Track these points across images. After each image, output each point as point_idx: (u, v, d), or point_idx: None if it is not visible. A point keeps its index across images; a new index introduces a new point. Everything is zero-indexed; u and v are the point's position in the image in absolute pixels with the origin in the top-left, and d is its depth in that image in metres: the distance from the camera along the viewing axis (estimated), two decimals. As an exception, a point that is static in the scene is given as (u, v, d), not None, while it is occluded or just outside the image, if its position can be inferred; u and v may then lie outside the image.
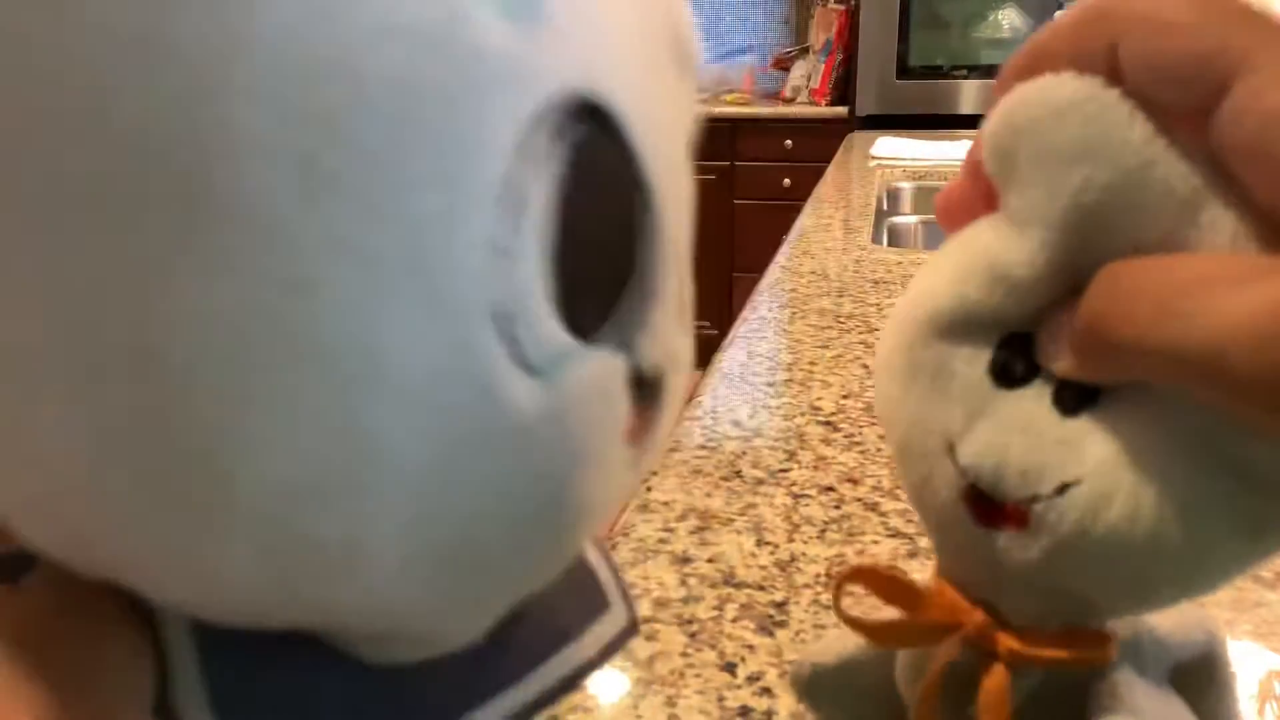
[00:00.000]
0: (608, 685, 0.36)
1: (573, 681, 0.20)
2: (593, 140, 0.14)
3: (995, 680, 0.20)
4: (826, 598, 0.42)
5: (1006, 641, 0.20)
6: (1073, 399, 0.19)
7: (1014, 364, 0.19)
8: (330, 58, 0.11)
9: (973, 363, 0.19)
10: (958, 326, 0.19)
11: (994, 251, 0.19)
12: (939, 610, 0.21)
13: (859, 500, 0.51)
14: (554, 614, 0.20)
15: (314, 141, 0.12)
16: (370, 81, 0.12)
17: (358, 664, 0.16)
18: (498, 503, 0.14)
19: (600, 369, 0.15)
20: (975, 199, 0.20)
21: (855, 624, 0.22)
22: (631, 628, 0.21)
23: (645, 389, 0.16)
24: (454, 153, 0.12)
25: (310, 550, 0.13)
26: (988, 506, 0.19)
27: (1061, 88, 0.18)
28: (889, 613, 0.22)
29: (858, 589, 0.22)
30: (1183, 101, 0.17)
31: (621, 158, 0.15)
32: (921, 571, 0.44)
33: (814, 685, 0.26)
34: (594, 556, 0.21)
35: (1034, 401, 0.19)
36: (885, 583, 0.21)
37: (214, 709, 0.15)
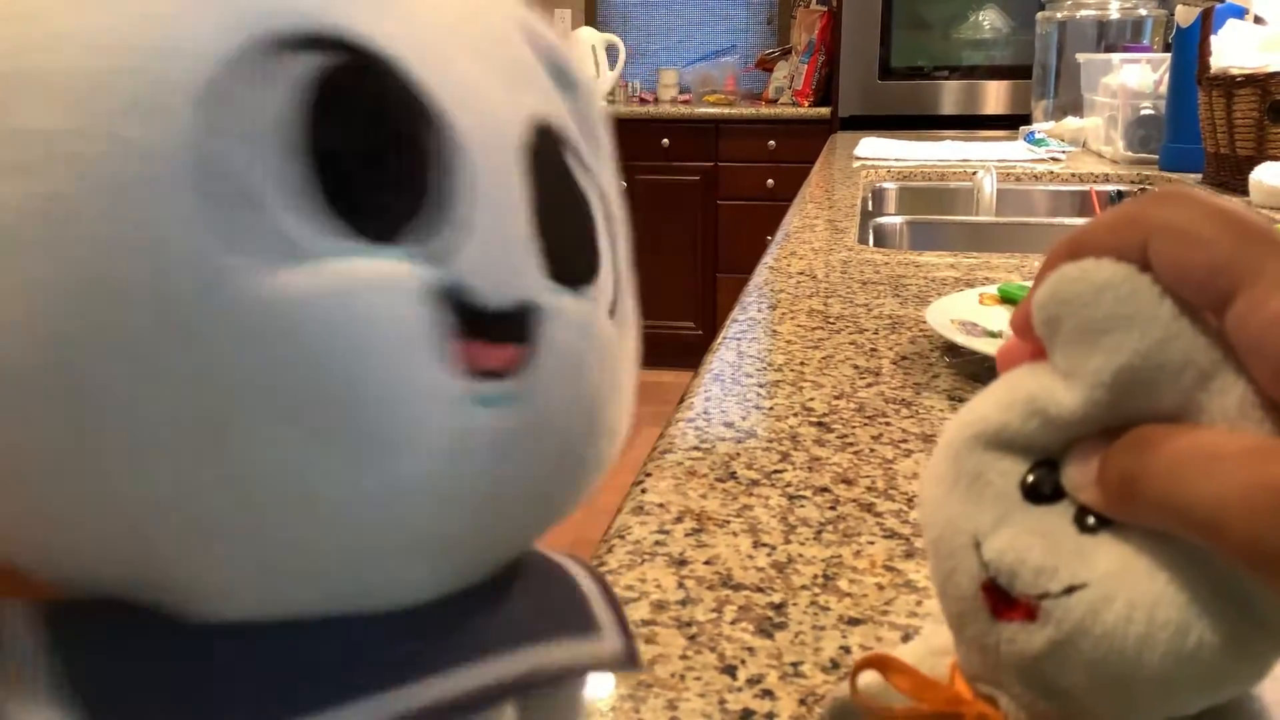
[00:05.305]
0: (608, 689, 0.36)
1: (527, 683, 0.19)
2: (344, 69, 0.16)
3: None
4: (825, 599, 0.42)
5: None
6: (1092, 520, 0.21)
7: (1044, 484, 0.22)
8: None
9: (1007, 476, 0.22)
10: (999, 444, 0.22)
11: (1036, 391, 0.22)
12: (944, 700, 0.24)
13: (854, 501, 0.51)
14: (511, 619, 0.19)
15: None
16: None
17: (221, 628, 0.16)
18: (273, 381, 0.15)
19: (380, 269, 0.16)
20: (1024, 352, 0.23)
21: (871, 712, 0.25)
22: (627, 659, 0.21)
23: (495, 323, 0.17)
24: (150, 44, 0.15)
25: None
26: (1002, 599, 0.22)
27: (1101, 270, 0.21)
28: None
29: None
30: (1200, 301, 0.20)
31: (389, 88, 0.16)
32: (918, 571, 0.44)
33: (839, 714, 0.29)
34: (588, 585, 0.21)
35: (1057, 517, 0.22)
36: (899, 672, 0.24)
37: (71, 695, 0.15)
